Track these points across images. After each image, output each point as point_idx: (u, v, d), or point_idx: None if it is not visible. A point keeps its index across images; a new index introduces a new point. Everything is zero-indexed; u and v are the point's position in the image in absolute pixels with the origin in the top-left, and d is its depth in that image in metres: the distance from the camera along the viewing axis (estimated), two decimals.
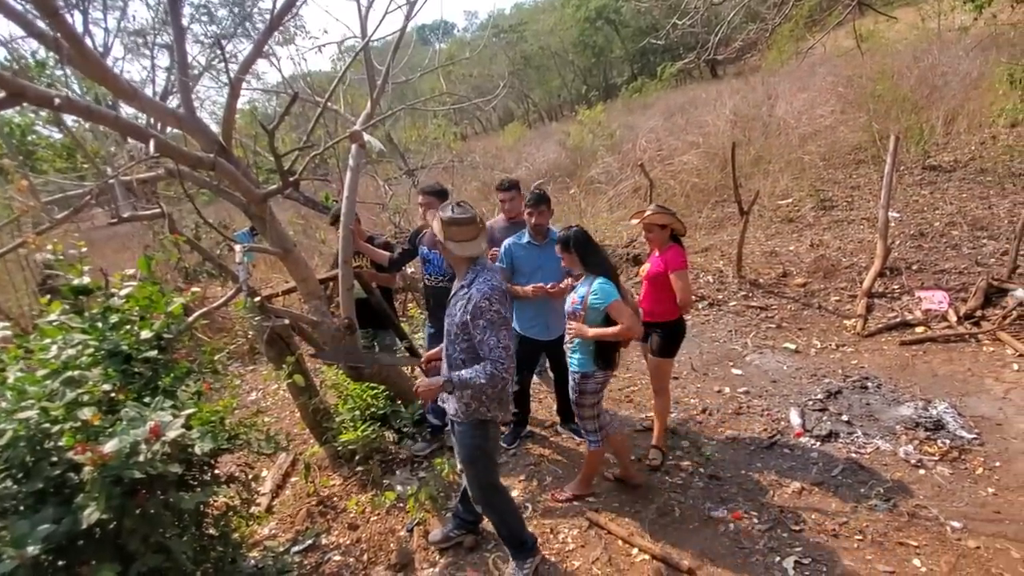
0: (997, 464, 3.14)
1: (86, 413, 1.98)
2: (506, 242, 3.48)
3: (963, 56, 10.17)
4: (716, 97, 13.26)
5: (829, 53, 12.55)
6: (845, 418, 3.71)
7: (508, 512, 2.61)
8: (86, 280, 2.47)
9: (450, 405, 2.45)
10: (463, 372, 2.26)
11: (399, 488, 3.41)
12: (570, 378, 2.95)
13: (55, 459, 1.91)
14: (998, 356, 4.20)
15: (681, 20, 6.91)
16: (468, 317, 2.24)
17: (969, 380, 3.97)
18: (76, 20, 9.40)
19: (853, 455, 3.35)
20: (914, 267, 5.54)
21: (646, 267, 3.39)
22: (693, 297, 5.67)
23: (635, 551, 2.79)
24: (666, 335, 3.32)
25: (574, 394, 2.93)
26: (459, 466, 2.62)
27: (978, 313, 4.71)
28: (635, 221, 3.34)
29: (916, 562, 2.56)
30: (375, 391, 3.68)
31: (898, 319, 4.88)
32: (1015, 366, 4.03)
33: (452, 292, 2.40)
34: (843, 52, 11.13)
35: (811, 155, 8.91)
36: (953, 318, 4.71)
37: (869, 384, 4.06)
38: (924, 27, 12.93)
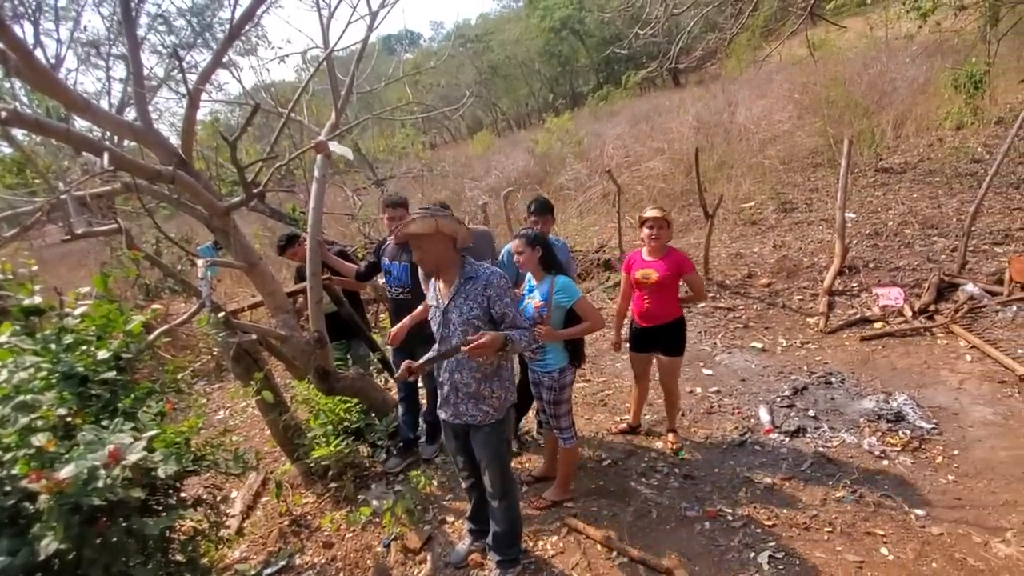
0: (955, 452, 3.27)
1: (40, 439, 1.90)
2: (505, 249, 3.31)
3: (910, 63, 10.67)
4: (679, 104, 13.59)
5: (784, 61, 13.05)
6: (812, 413, 3.82)
7: (517, 508, 2.68)
8: (38, 300, 2.37)
9: (476, 408, 2.43)
10: (512, 333, 2.29)
11: (374, 503, 3.35)
12: (544, 379, 2.92)
13: (8, 488, 1.82)
14: (952, 348, 4.39)
15: (643, 30, 7.07)
16: (488, 301, 2.32)
17: (926, 372, 4.14)
18: (27, 31, 9.06)
19: (820, 449, 3.45)
20: (871, 265, 5.76)
21: (650, 273, 3.28)
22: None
23: (614, 554, 2.79)
24: (676, 333, 3.38)
25: (552, 393, 2.91)
26: (484, 470, 2.56)
27: (932, 308, 4.92)
28: (651, 213, 3.25)
29: (884, 551, 2.64)
30: (347, 404, 3.62)
31: (858, 316, 5.06)
32: (968, 357, 4.22)
33: (451, 294, 2.36)
34: (797, 60, 11.57)
35: (771, 159, 9.19)
36: (909, 313, 4.90)
37: (833, 379, 4.19)
38: (872, 35, 13.53)
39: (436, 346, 2.49)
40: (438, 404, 2.60)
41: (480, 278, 2.34)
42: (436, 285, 2.47)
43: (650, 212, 3.28)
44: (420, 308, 3.03)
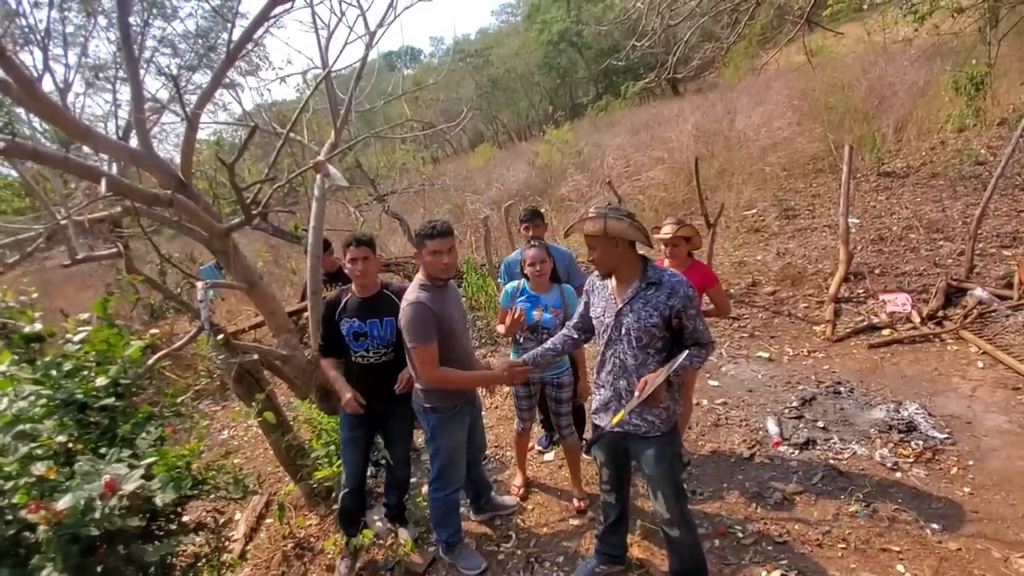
0: (970, 463, 3.20)
1: (41, 468, 1.89)
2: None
3: (908, 66, 10.66)
4: (678, 113, 13.61)
5: (782, 68, 13.02)
6: (821, 424, 3.75)
7: (696, 533, 2.47)
8: (38, 327, 2.37)
9: (640, 417, 2.28)
10: (678, 360, 2.14)
11: (378, 525, 3.30)
12: (564, 378, 3.05)
13: (9, 518, 1.81)
14: (963, 355, 4.32)
15: (640, 41, 7.10)
16: (671, 311, 2.18)
17: (937, 380, 4.07)
18: (37, 57, 9.20)
19: (831, 461, 3.38)
20: (876, 271, 5.70)
21: None
22: None
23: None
24: None
25: (570, 390, 3.06)
26: (655, 491, 2.34)
27: (940, 313, 4.85)
28: (661, 236, 3.12)
29: (900, 568, 2.57)
30: None
31: (865, 323, 5.00)
32: (979, 363, 4.14)
33: (628, 296, 2.24)
34: (795, 67, 11.57)
35: (772, 166, 9.17)
36: (917, 319, 4.84)
37: (842, 389, 4.13)
38: (870, 40, 13.53)
39: (605, 350, 2.36)
40: (594, 409, 2.47)
41: (664, 285, 2.21)
42: (609, 285, 2.36)
43: (662, 232, 3.13)
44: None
